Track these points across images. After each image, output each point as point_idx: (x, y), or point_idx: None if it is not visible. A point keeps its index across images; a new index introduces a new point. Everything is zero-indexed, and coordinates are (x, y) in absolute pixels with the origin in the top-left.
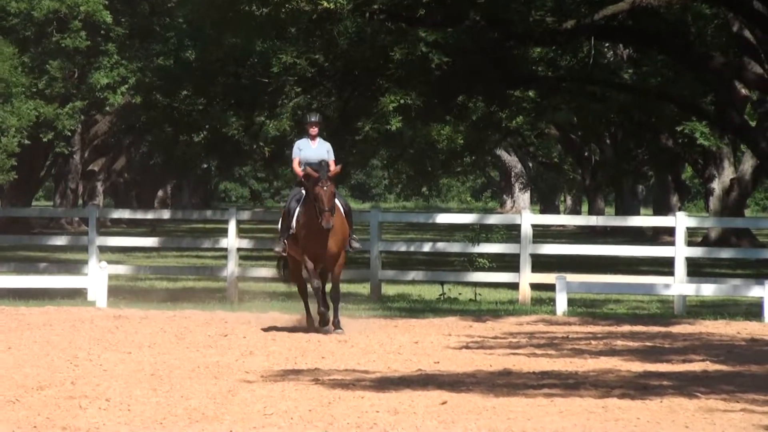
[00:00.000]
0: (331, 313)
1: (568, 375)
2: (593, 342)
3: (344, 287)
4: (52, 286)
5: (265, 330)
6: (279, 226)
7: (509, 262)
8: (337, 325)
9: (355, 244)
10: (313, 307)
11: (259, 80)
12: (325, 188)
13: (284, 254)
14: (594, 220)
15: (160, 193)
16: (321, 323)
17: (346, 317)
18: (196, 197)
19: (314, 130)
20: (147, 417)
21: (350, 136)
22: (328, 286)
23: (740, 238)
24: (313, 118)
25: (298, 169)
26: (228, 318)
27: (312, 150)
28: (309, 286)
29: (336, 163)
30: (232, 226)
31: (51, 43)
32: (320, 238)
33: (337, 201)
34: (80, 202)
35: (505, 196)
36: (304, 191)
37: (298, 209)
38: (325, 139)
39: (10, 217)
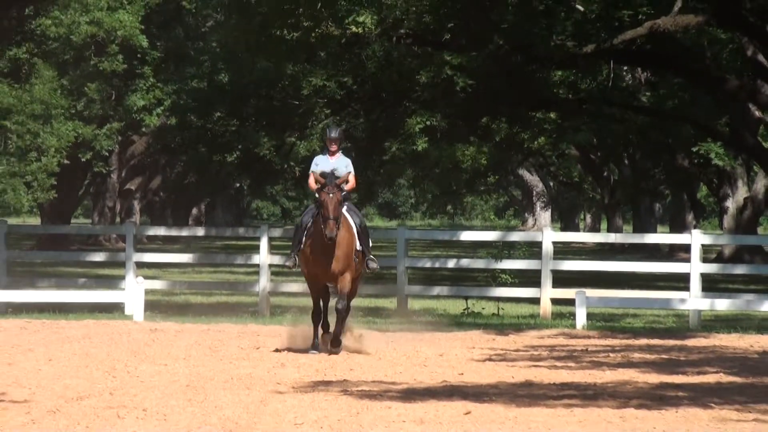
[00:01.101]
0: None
1: (587, 386)
2: (611, 354)
3: (372, 302)
4: (90, 301)
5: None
6: (292, 240)
7: (531, 278)
8: (333, 343)
9: (372, 264)
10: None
11: (290, 102)
12: (330, 195)
13: (294, 269)
14: (612, 237)
15: (194, 210)
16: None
17: (374, 330)
18: (229, 215)
19: (334, 147)
20: (182, 426)
21: (378, 156)
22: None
23: (753, 254)
24: (333, 133)
25: (314, 184)
26: (260, 331)
27: (329, 164)
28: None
29: (358, 179)
30: (264, 243)
31: (89, 66)
32: (324, 253)
33: (347, 215)
34: (117, 219)
35: (526, 214)
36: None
37: (309, 224)
38: (351, 156)
39: (51, 234)
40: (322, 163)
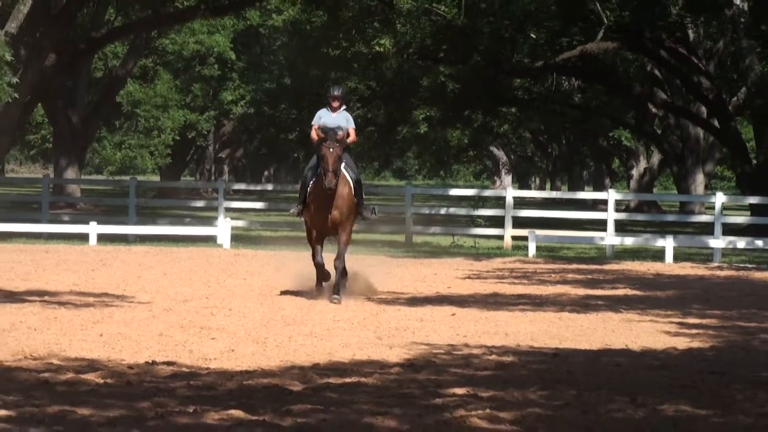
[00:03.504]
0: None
1: (536, 297)
2: (552, 275)
3: (387, 237)
4: (193, 234)
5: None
6: (299, 193)
7: (497, 221)
8: (336, 291)
9: (366, 214)
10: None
11: None
12: (331, 149)
13: (299, 216)
14: (554, 194)
15: (266, 173)
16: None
17: (388, 257)
18: (290, 176)
19: (336, 103)
20: (256, 321)
21: (393, 137)
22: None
23: (650, 207)
24: (336, 91)
25: (315, 136)
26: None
27: (331, 118)
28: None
29: (363, 142)
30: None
31: (194, 72)
32: (325, 203)
33: (345, 171)
34: (213, 178)
35: (495, 178)
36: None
37: (312, 178)
38: (354, 118)
39: (166, 187)
40: (324, 117)
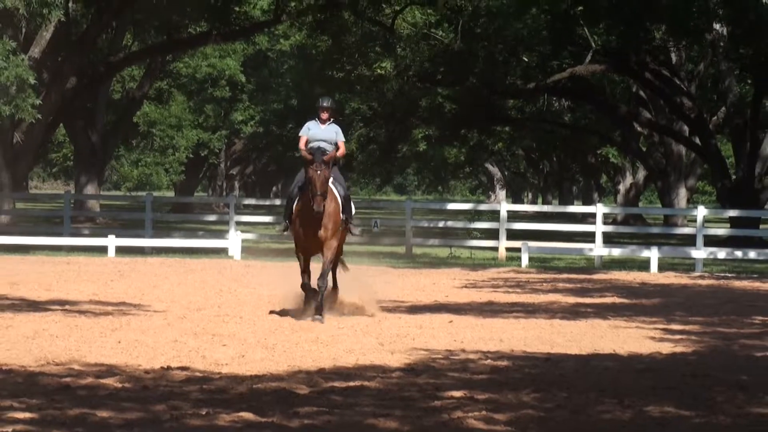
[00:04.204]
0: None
1: (529, 305)
2: (544, 284)
3: (389, 249)
4: (205, 246)
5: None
6: (285, 209)
7: (492, 234)
8: (318, 311)
9: (354, 230)
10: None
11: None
12: (318, 172)
13: (285, 232)
14: (546, 208)
15: (274, 188)
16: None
17: (389, 267)
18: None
19: (325, 115)
20: (265, 328)
21: (394, 154)
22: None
23: (636, 220)
24: (325, 103)
25: (303, 146)
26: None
27: (320, 131)
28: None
29: (346, 146)
30: None
31: (207, 93)
32: (312, 223)
33: (333, 187)
34: (224, 193)
35: (490, 193)
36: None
37: (298, 197)
38: (342, 126)
39: (180, 202)
40: (313, 129)
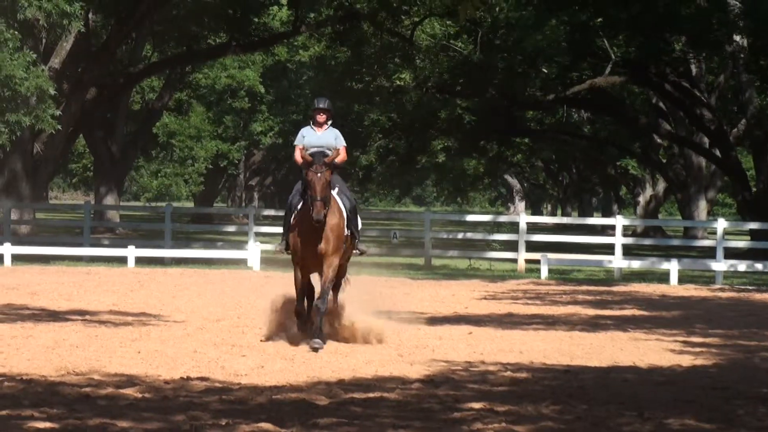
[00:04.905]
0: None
1: (548, 316)
2: (564, 296)
3: (407, 260)
4: (225, 257)
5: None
6: (283, 224)
7: (511, 246)
8: (315, 334)
9: (361, 247)
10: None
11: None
12: (318, 174)
13: (286, 253)
14: (565, 220)
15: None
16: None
17: (409, 278)
18: None
19: (321, 117)
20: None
21: (413, 166)
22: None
23: (655, 232)
24: (321, 104)
25: (299, 158)
26: None
27: (316, 137)
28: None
29: (348, 151)
30: None
31: (226, 104)
32: (311, 235)
33: (337, 198)
34: (243, 204)
35: (509, 204)
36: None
37: (298, 206)
38: (341, 129)
39: (200, 213)
40: (309, 135)
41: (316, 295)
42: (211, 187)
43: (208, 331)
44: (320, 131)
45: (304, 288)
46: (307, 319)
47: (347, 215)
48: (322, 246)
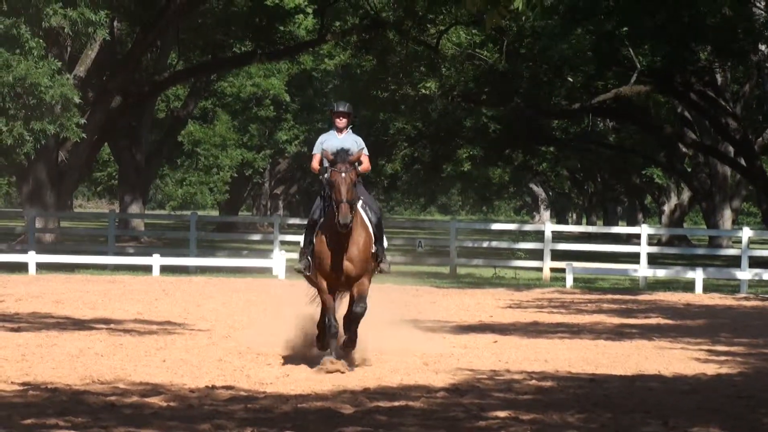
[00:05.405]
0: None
1: (573, 325)
2: (589, 305)
3: (432, 269)
4: (250, 266)
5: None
6: (303, 240)
7: (537, 254)
8: (347, 344)
9: (384, 266)
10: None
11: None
12: (343, 174)
13: (307, 274)
14: (590, 229)
15: None
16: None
17: (434, 287)
18: None
19: (341, 122)
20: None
21: (438, 174)
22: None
23: (680, 241)
24: (342, 107)
25: (317, 165)
26: None
27: (337, 142)
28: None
29: (371, 160)
30: None
31: (251, 113)
32: (338, 245)
33: (362, 212)
34: (268, 213)
35: (534, 213)
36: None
37: (321, 220)
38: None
39: (225, 222)
40: (328, 141)
41: (339, 314)
42: (236, 196)
43: (234, 339)
44: (341, 136)
45: (332, 303)
46: (333, 333)
47: (373, 231)
48: (348, 265)
